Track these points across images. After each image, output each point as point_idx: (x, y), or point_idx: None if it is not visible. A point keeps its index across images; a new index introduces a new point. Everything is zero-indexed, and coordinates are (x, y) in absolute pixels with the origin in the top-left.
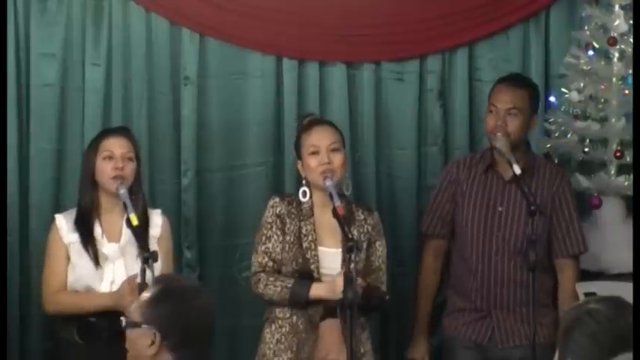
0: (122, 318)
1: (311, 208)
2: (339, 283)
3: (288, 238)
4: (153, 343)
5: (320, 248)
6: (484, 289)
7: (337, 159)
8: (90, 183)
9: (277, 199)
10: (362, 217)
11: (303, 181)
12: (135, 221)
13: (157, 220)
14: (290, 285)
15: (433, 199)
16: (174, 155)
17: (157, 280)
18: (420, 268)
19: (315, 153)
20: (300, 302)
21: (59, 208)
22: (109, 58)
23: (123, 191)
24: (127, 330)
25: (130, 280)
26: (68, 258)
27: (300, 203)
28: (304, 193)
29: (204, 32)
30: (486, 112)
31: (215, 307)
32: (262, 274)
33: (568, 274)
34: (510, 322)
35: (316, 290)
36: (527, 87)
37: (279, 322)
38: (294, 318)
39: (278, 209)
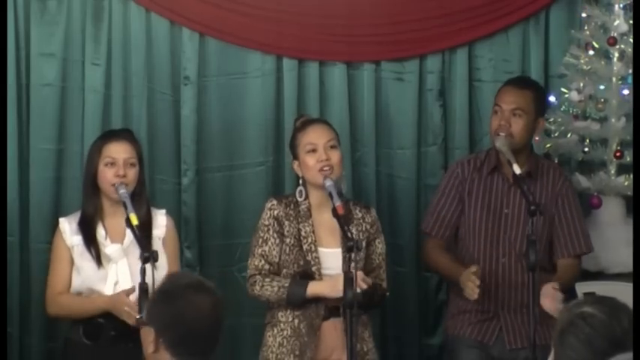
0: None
1: (309, 209)
2: (341, 280)
3: (287, 240)
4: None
5: (320, 249)
6: (491, 292)
7: (335, 156)
8: (92, 187)
9: (274, 202)
10: (360, 215)
11: (300, 181)
12: (134, 220)
13: (162, 221)
14: (287, 284)
15: (437, 200)
16: (174, 155)
17: (163, 279)
18: (424, 260)
19: (312, 151)
20: (297, 301)
21: (59, 208)
22: (109, 58)
23: (123, 191)
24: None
25: (127, 291)
26: (72, 261)
27: (297, 204)
28: (300, 192)
29: (204, 32)
30: (492, 113)
31: (218, 305)
32: (258, 277)
33: (565, 271)
34: (517, 324)
35: (314, 288)
36: (533, 89)
37: (282, 325)
38: (296, 321)
39: (275, 212)
